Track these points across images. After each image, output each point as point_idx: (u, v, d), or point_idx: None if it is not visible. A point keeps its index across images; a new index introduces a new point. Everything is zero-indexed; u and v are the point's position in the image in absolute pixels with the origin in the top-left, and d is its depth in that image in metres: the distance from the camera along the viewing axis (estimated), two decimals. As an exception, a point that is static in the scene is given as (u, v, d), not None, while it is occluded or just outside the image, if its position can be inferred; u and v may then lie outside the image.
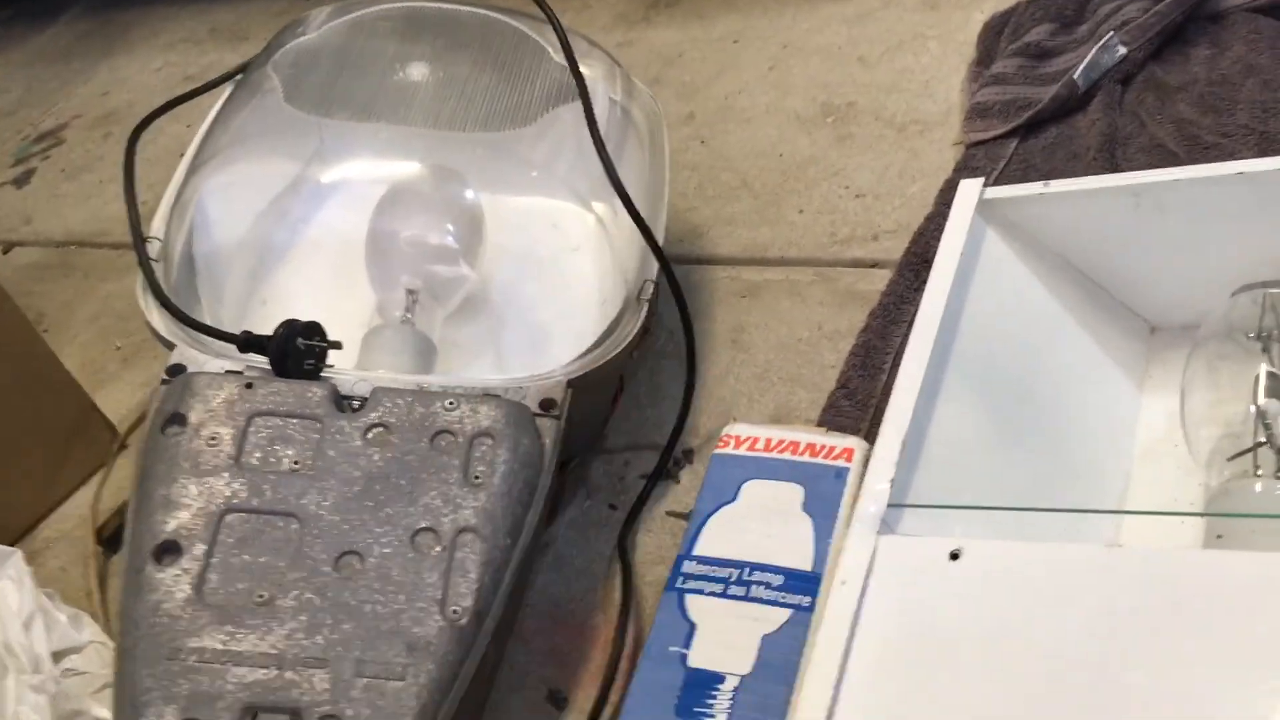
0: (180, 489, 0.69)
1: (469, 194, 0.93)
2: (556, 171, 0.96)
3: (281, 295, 0.92)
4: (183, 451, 0.70)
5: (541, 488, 0.72)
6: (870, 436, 0.68)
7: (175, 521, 0.68)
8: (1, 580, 0.78)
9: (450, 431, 0.72)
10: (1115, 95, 1.05)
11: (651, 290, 0.84)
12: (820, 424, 0.85)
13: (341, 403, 0.73)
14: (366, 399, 0.73)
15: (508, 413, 0.73)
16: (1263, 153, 0.90)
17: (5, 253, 1.49)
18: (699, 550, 0.72)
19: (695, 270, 1.06)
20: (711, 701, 0.65)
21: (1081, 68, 1.07)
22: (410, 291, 0.87)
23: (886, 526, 0.62)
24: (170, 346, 0.78)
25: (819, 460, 0.74)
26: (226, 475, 0.70)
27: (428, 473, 0.70)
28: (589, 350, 0.80)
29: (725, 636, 0.67)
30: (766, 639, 0.66)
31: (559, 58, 0.94)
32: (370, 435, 0.72)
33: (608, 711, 0.73)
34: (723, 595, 0.69)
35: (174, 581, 0.66)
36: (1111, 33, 1.09)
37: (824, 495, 0.72)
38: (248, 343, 0.75)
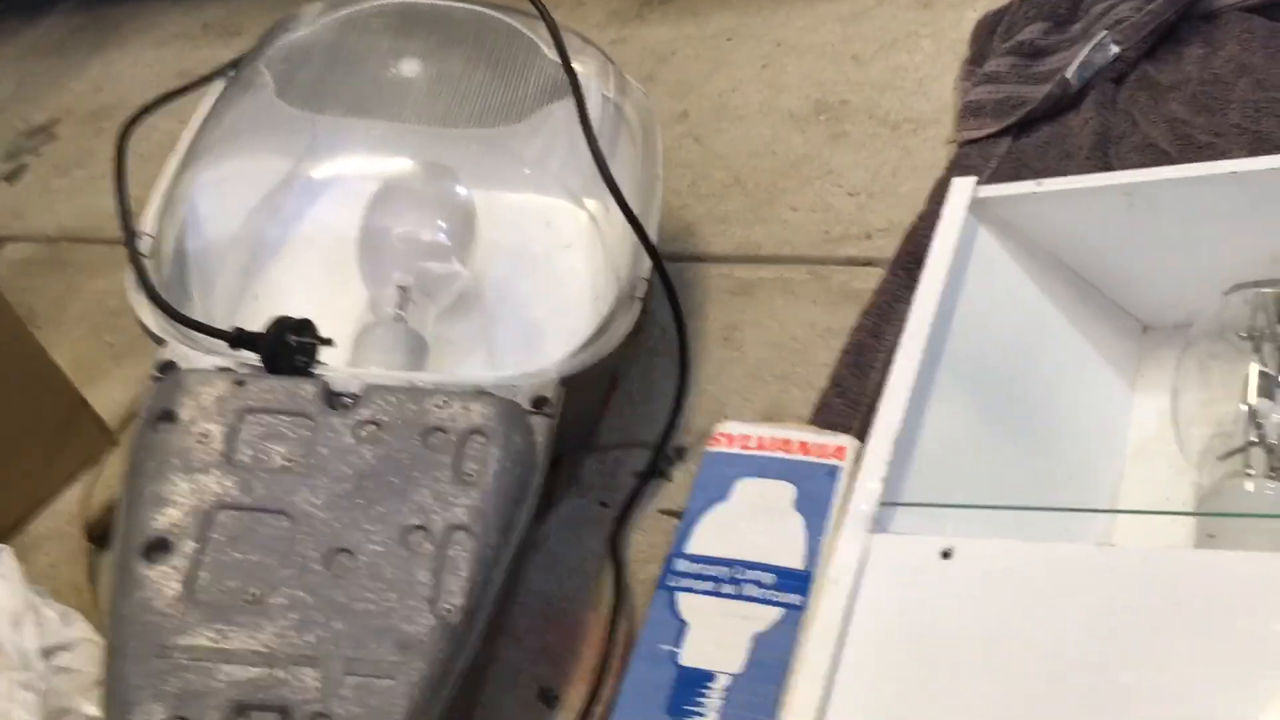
0: (171, 486, 0.69)
1: (461, 191, 0.93)
2: (549, 168, 0.96)
3: (273, 292, 0.92)
4: (173, 448, 0.70)
5: (533, 485, 0.72)
6: (863, 435, 0.68)
7: (165, 519, 0.68)
8: (-9, 577, 0.78)
9: (442, 429, 0.72)
10: (1108, 94, 1.05)
11: (644, 288, 0.84)
12: (813, 422, 0.85)
13: (333, 400, 0.73)
14: (358, 396, 0.73)
15: (500, 410, 0.72)
16: (1255, 152, 0.90)
17: (-4, 248, 1.48)
18: (690, 548, 0.72)
19: (688, 268, 1.06)
20: (702, 700, 0.65)
21: (1074, 66, 1.07)
22: (402, 288, 0.87)
23: (878, 525, 0.62)
24: (161, 343, 0.77)
25: (811, 459, 0.74)
26: (217, 472, 0.69)
27: (419, 470, 0.70)
28: (581, 348, 0.80)
29: (717, 635, 0.67)
30: (758, 638, 0.66)
31: (552, 54, 0.94)
32: (362, 433, 0.71)
33: (599, 710, 0.72)
34: (714, 594, 0.69)
35: (164, 579, 0.66)
36: (1104, 31, 1.09)
37: (816, 494, 0.72)
38: (239, 339, 0.74)
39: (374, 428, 0.72)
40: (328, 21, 0.98)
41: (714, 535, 0.72)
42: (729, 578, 0.69)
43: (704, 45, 1.40)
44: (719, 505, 0.74)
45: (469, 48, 0.97)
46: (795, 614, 0.66)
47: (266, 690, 0.63)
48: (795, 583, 0.68)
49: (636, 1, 1.52)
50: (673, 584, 0.71)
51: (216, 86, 0.98)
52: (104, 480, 1.01)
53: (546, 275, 0.94)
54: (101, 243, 1.42)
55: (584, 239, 0.94)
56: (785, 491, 0.73)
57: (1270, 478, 0.65)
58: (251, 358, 0.75)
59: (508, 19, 0.97)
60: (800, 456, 0.74)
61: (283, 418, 0.71)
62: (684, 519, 0.74)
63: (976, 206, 0.78)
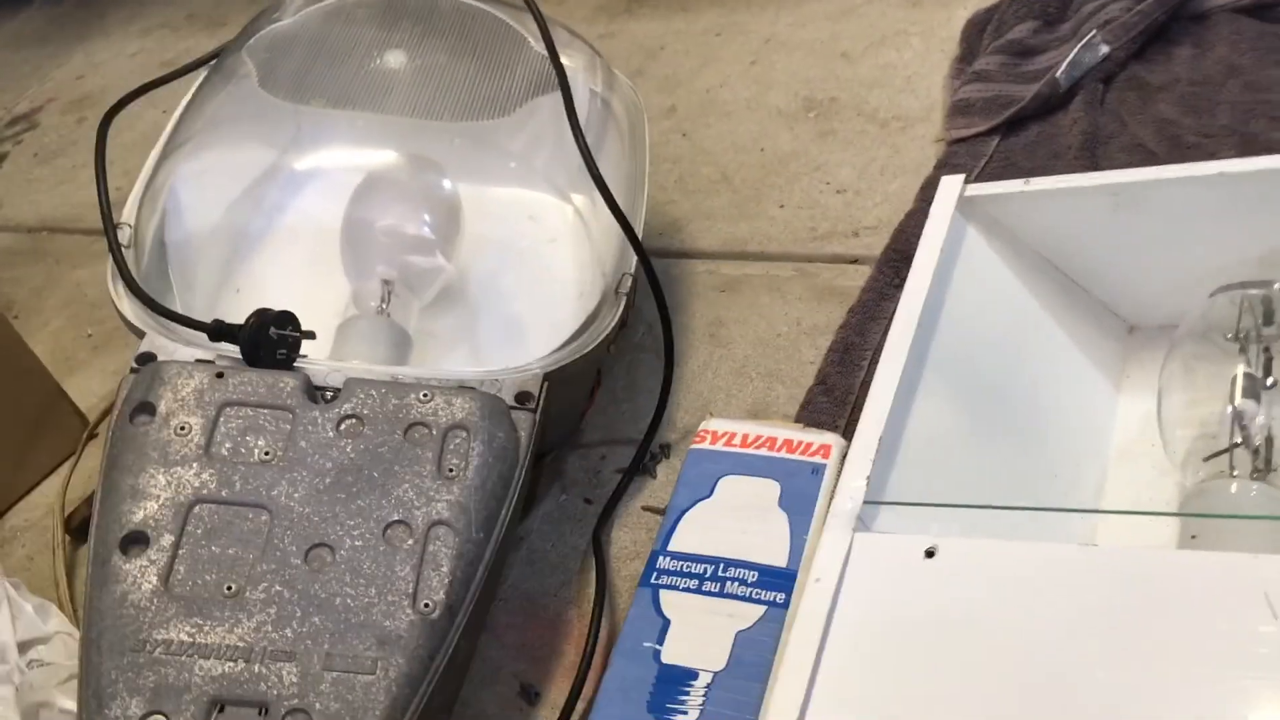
0: (148, 479, 0.68)
1: (446, 184, 0.92)
2: (535, 162, 0.96)
3: (255, 284, 0.91)
4: (151, 441, 0.69)
5: (516, 481, 0.71)
6: (848, 433, 0.68)
7: (143, 512, 0.67)
8: (-35, 570, 0.77)
9: (424, 424, 0.71)
10: (1097, 94, 1.05)
11: (630, 283, 0.83)
12: (798, 420, 0.84)
13: (314, 393, 0.72)
14: (339, 390, 0.72)
15: (482, 405, 0.72)
16: (1243, 153, 0.90)
17: (-24, 237, 1.47)
18: (674, 546, 0.72)
19: (674, 264, 1.06)
20: (684, 698, 0.64)
21: (1064, 66, 1.07)
22: (386, 282, 0.86)
23: (862, 524, 0.62)
24: (140, 334, 0.77)
25: (796, 456, 0.74)
26: (196, 465, 0.69)
27: (401, 465, 0.69)
28: (566, 343, 0.79)
29: (699, 633, 0.67)
30: (740, 635, 0.66)
31: (539, 47, 0.93)
32: (343, 427, 0.71)
33: (580, 707, 0.72)
34: (697, 591, 0.69)
35: (140, 572, 0.65)
36: (1094, 31, 1.09)
37: (800, 491, 0.71)
38: (219, 331, 0.74)
39: (355, 422, 0.71)
40: (312, 11, 0.97)
41: (697, 532, 0.72)
42: (712, 575, 0.69)
43: (693, 41, 1.40)
44: (703, 502, 0.73)
45: (455, 40, 0.96)
46: (778, 612, 0.66)
47: (244, 685, 0.62)
48: (778, 581, 0.67)
49: (625, -4, 1.51)
50: (655, 581, 0.70)
51: (199, 76, 0.97)
52: (82, 472, 1.00)
53: (531, 270, 0.93)
54: (82, 233, 1.41)
55: (569, 234, 0.93)
56: (769, 489, 0.72)
57: (1254, 479, 0.65)
58: (231, 350, 0.74)
59: (494, 11, 0.97)
60: (785, 454, 0.74)
61: (262, 411, 0.71)
62: (667, 516, 0.74)
63: (964, 205, 0.78)
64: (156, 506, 0.67)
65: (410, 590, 0.65)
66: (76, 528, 0.94)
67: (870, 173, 1.09)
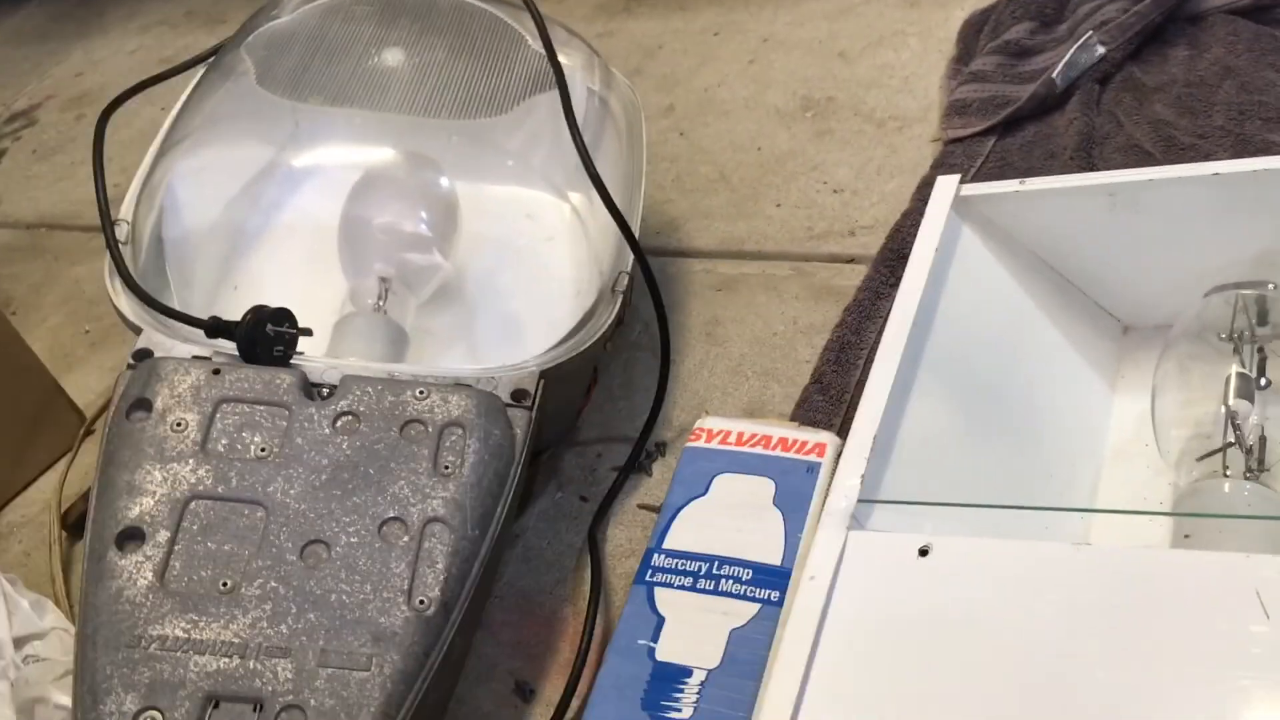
0: (144, 475, 0.68)
1: (443, 182, 0.93)
2: (532, 161, 0.96)
3: (253, 281, 0.92)
4: (147, 437, 0.69)
5: (512, 479, 0.72)
6: (843, 432, 0.68)
7: (139, 508, 0.67)
8: (-38, 565, 0.77)
9: (420, 421, 0.71)
10: (1093, 95, 1.06)
11: (626, 282, 0.83)
12: (794, 419, 0.84)
13: (310, 390, 0.72)
14: (336, 387, 0.72)
15: (479, 403, 0.72)
16: (1238, 154, 0.90)
17: (-26, 234, 1.47)
18: (669, 543, 0.72)
19: (671, 263, 1.06)
20: (678, 695, 0.64)
21: (1060, 66, 1.07)
22: (383, 279, 0.86)
23: (856, 522, 0.62)
24: (137, 331, 0.77)
25: (791, 455, 0.74)
26: (192, 462, 0.69)
27: (396, 462, 0.70)
28: (563, 341, 0.80)
29: (693, 630, 0.67)
30: (735, 633, 0.66)
31: (537, 46, 0.93)
32: (339, 423, 0.71)
33: (575, 704, 0.72)
34: (692, 589, 0.69)
35: (136, 568, 0.65)
36: (1091, 32, 1.09)
37: (795, 490, 0.72)
38: (216, 328, 0.74)
39: (351, 419, 0.71)
40: (309, 9, 0.98)
41: (692, 530, 0.72)
42: (707, 573, 0.69)
43: (691, 40, 1.40)
44: (698, 500, 0.74)
45: (453, 37, 0.96)
46: (772, 610, 0.66)
47: (239, 681, 0.62)
48: (773, 579, 0.68)
49: (623, -5, 1.51)
50: (650, 578, 0.70)
51: (198, 73, 0.97)
52: (79, 468, 1.00)
53: (528, 268, 0.94)
54: (80, 229, 1.41)
55: (567, 232, 0.94)
56: (764, 487, 0.72)
57: (1247, 479, 0.65)
58: (228, 347, 0.74)
59: (492, 9, 0.97)
60: (780, 453, 0.74)
61: (259, 407, 0.71)
62: (662, 514, 0.74)
63: (960, 205, 0.78)
64: (152, 502, 0.67)
65: (405, 587, 0.65)
66: (73, 524, 0.94)
67: (867, 172, 1.09)
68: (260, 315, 0.74)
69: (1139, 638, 0.52)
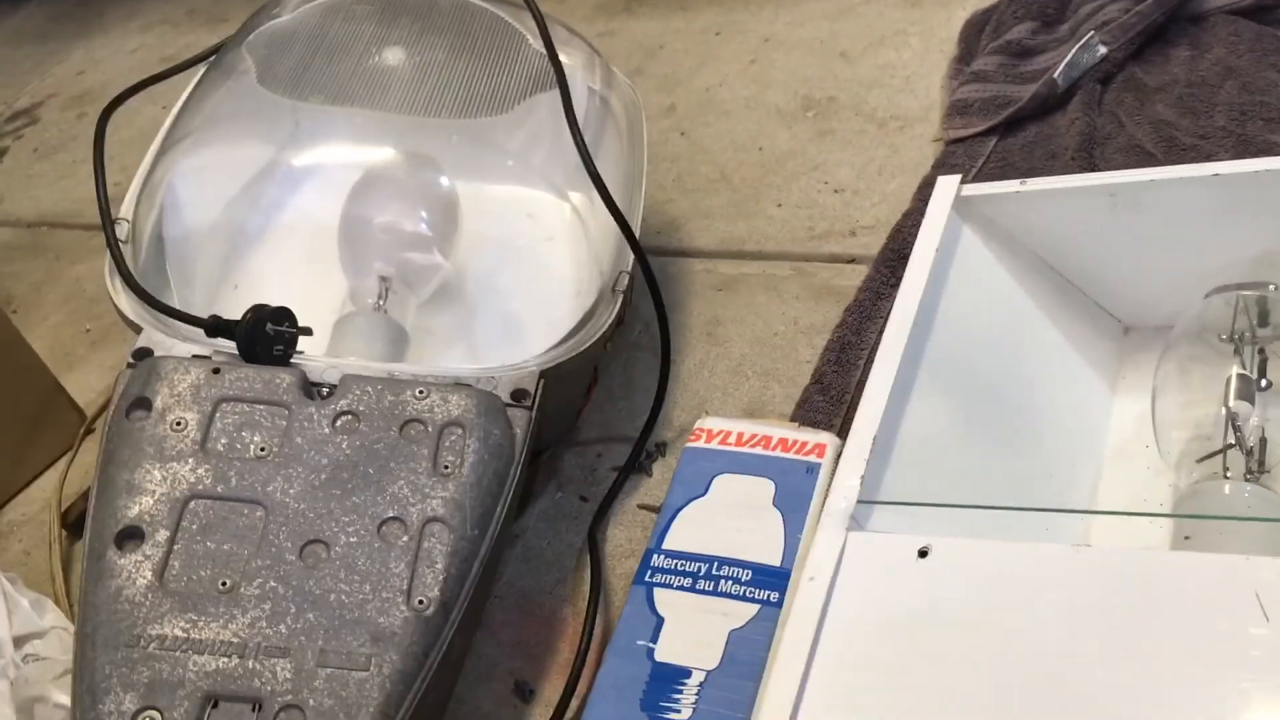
0: (144, 474, 0.68)
1: (444, 181, 0.93)
2: (533, 160, 0.96)
3: (253, 280, 0.91)
4: (147, 436, 0.69)
5: (511, 479, 0.71)
6: (844, 432, 0.68)
7: (138, 507, 0.67)
8: (-38, 564, 0.77)
9: (420, 420, 0.71)
10: (1095, 95, 1.06)
11: (626, 282, 0.83)
12: (794, 419, 0.84)
13: (310, 390, 0.72)
14: (336, 386, 0.72)
15: (478, 402, 0.72)
16: (1240, 155, 0.90)
17: (-24, 232, 1.47)
18: (668, 544, 0.72)
19: (672, 262, 1.06)
20: (677, 696, 0.64)
21: (1062, 67, 1.07)
22: (383, 279, 0.86)
23: (856, 523, 0.62)
24: (137, 330, 0.77)
25: (791, 455, 0.74)
26: (191, 461, 0.69)
27: (396, 462, 0.69)
28: (563, 341, 0.80)
29: (693, 631, 0.67)
30: (734, 634, 0.66)
31: (538, 45, 0.93)
32: (339, 423, 0.71)
33: (574, 704, 0.72)
34: (691, 589, 0.69)
35: (135, 568, 0.65)
36: (1092, 32, 1.09)
37: (795, 491, 0.72)
38: (216, 327, 0.74)
39: (351, 418, 0.71)
40: (310, 8, 0.97)
41: (692, 531, 0.72)
42: (706, 573, 0.69)
43: (692, 40, 1.40)
44: (697, 501, 0.74)
45: (453, 37, 0.96)
46: (772, 611, 0.66)
47: (238, 681, 0.62)
48: (772, 579, 0.67)
49: (625, -6, 1.51)
50: (650, 579, 0.70)
51: (198, 72, 0.97)
52: (79, 467, 1.00)
53: (529, 268, 0.93)
54: (81, 228, 1.41)
55: (567, 232, 0.94)
56: (764, 488, 0.72)
57: (1247, 480, 0.65)
58: (228, 346, 0.74)
59: (493, 8, 0.97)
60: (780, 453, 0.74)
61: (259, 407, 0.71)
62: (662, 514, 0.74)
63: (960, 205, 0.78)
64: (152, 502, 0.67)
65: (405, 587, 0.65)
66: (73, 523, 0.94)
67: (868, 172, 1.09)
68: (260, 314, 0.74)
69: (1138, 639, 0.52)
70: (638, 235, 0.85)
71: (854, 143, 1.14)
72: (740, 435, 0.76)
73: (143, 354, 0.75)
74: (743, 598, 0.67)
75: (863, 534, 0.62)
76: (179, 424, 0.70)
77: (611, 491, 0.85)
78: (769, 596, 0.67)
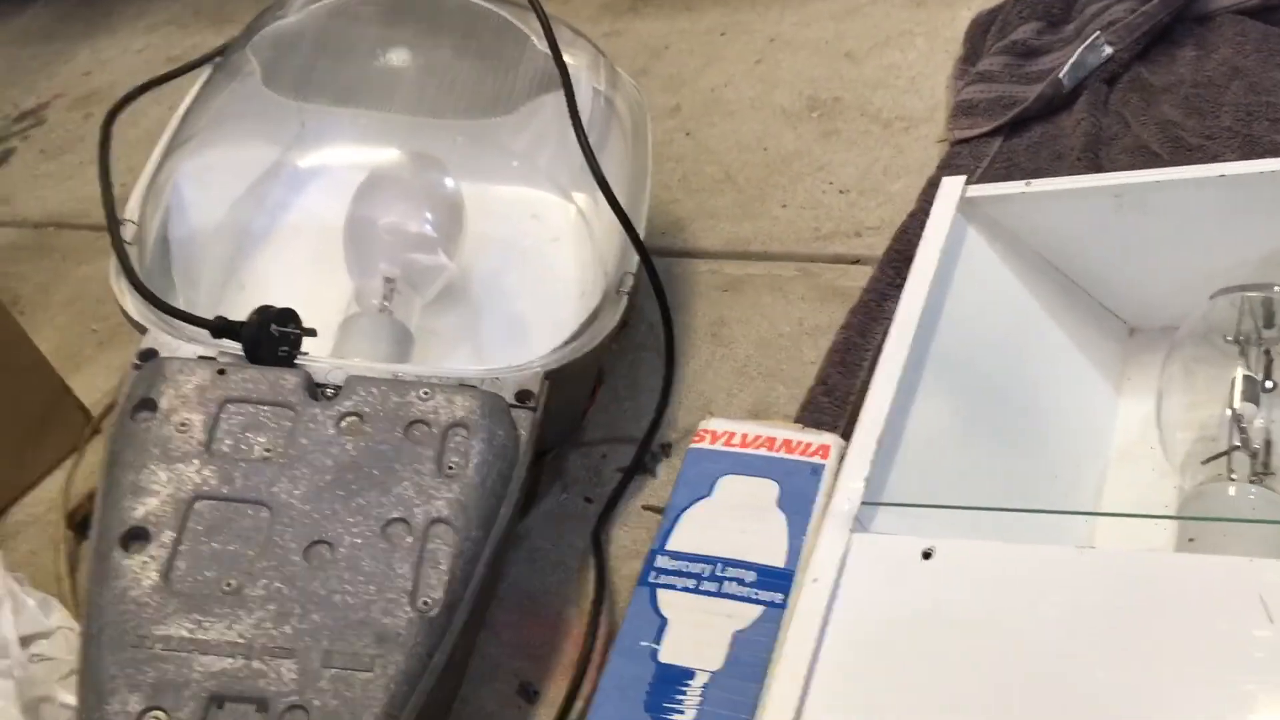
0: (149, 475, 0.68)
1: (449, 182, 0.93)
2: (538, 161, 0.96)
3: (259, 281, 0.92)
4: (153, 437, 0.70)
5: (515, 479, 0.72)
6: (849, 433, 0.68)
7: (144, 508, 0.67)
8: (-32, 564, 0.77)
9: (425, 422, 0.71)
10: (1100, 95, 1.05)
11: (631, 283, 0.83)
12: (799, 420, 0.84)
13: (315, 390, 0.72)
14: (341, 387, 0.73)
15: (483, 404, 0.72)
16: (1246, 155, 0.90)
17: (-17, 232, 1.48)
18: (672, 545, 0.72)
19: (677, 263, 1.06)
20: (681, 698, 0.64)
21: (1067, 67, 1.07)
22: (388, 280, 0.86)
23: (860, 524, 0.62)
24: (143, 330, 0.77)
25: (795, 457, 0.74)
26: (196, 462, 0.69)
27: (401, 463, 0.70)
28: (567, 342, 0.80)
29: (696, 632, 0.67)
30: (738, 635, 0.66)
31: (543, 46, 0.93)
32: (343, 424, 0.71)
33: (579, 705, 0.72)
34: (695, 591, 0.69)
35: (141, 568, 0.65)
36: (1098, 32, 1.08)
37: (799, 492, 0.71)
38: (221, 328, 0.74)
39: (356, 419, 0.71)
40: (315, 9, 0.98)
41: (696, 532, 0.72)
42: (710, 575, 0.69)
43: (697, 40, 1.40)
44: (701, 502, 0.74)
45: (458, 38, 0.96)
46: (776, 612, 0.66)
47: (243, 681, 0.62)
48: (776, 581, 0.67)
49: (630, -5, 1.51)
50: (653, 580, 0.70)
51: (204, 73, 0.97)
52: (85, 467, 1.00)
53: (534, 269, 0.94)
54: (88, 228, 1.41)
55: (572, 233, 0.94)
56: (768, 489, 0.72)
57: (1252, 482, 0.65)
58: (233, 347, 0.74)
59: (498, 9, 0.97)
60: (784, 454, 0.74)
61: (264, 408, 0.71)
62: (666, 515, 0.74)
63: (965, 206, 0.78)
64: (157, 503, 0.67)
65: (409, 588, 0.65)
66: (80, 523, 0.94)
67: (873, 173, 1.09)
68: (266, 315, 0.74)
69: (1142, 641, 0.52)
70: (643, 236, 0.85)
71: (859, 143, 1.14)
72: (744, 436, 0.76)
73: (148, 355, 0.75)
74: (747, 599, 0.67)
75: (867, 535, 0.62)
76: (184, 425, 0.70)
77: (616, 492, 0.85)
78: (773, 598, 0.67)
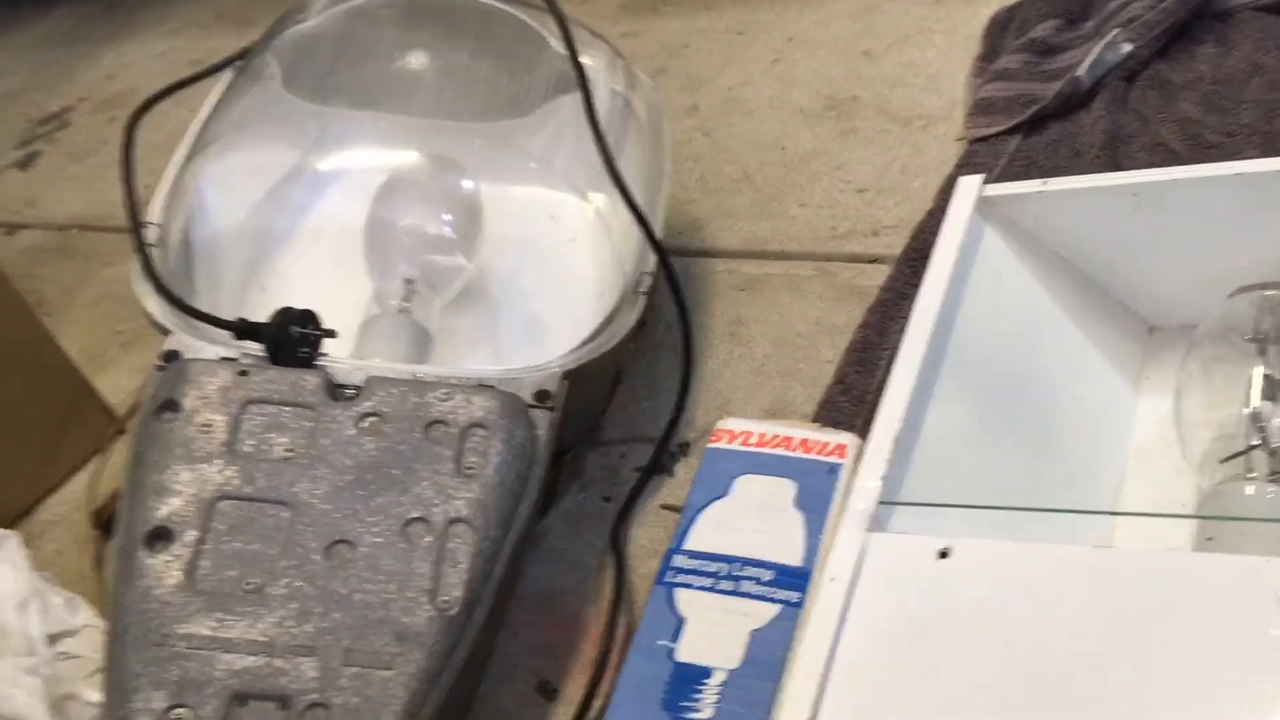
0: (173, 475, 0.69)
1: (467, 184, 0.93)
2: (556, 162, 0.96)
3: (280, 283, 0.93)
4: (176, 438, 0.70)
5: (534, 479, 0.72)
6: (866, 433, 0.68)
7: (167, 508, 0.68)
8: (-3, 563, 0.78)
9: (444, 422, 0.72)
10: (1119, 93, 1.05)
11: (649, 283, 0.84)
12: (816, 420, 0.85)
13: (335, 391, 0.73)
14: (361, 388, 0.73)
15: (502, 404, 0.73)
16: (1266, 153, 0.89)
17: (9, 235, 1.49)
18: (689, 544, 0.72)
19: (695, 263, 1.06)
20: (698, 696, 0.65)
21: (1086, 64, 1.06)
22: (408, 281, 0.87)
23: (877, 524, 0.62)
24: (166, 332, 0.78)
25: (812, 456, 0.74)
26: (219, 462, 0.70)
27: (420, 463, 0.70)
28: (586, 342, 0.80)
29: (714, 631, 0.67)
30: (755, 634, 0.66)
31: (560, 47, 0.93)
32: (364, 424, 0.72)
33: (598, 703, 0.73)
34: (712, 590, 0.69)
35: (165, 567, 0.66)
36: (1117, 30, 1.08)
37: (816, 491, 0.72)
38: (243, 330, 0.75)
39: (376, 419, 0.72)
40: (335, 12, 0.98)
41: (713, 531, 0.72)
42: (727, 574, 0.69)
43: (716, 39, 1.40)
44: (719, 501, 0.74)
45: (476, 40, 0.97)
46: (793, 611, 0.66)
47: (265, 679, 0.63)
48: (793, 580, 0.68)
49: (648, -5, 1.52)
50: (671, 579, 0.71)
51: (225, 76, 0.98)
52: (111, 467, 1.01)
53: (552, 269, 0.94)
54: (112, 231, 1.42)
55: (590, 233, 0.94)
56: (785, 489, 0.72)
57: (1271, 481, 0.65)
58: (255, 348, 0.75)
59: (515, 11, 0.97)
60: (801, 454, 0.74)
61: (285, 408, 0.72)
62: (683, 515, 0.74)
63: (983, 205, 0.78)
64: (181, 503, 0.68)
65: (429, 587, 0.66)
66: (105, 523, 0.95)
67: (891, 172, 1.09)
68: (287, 317, 0.75)
69: (1160, 641, 0.52)
70: (660, 236, 0.85)
71: (877, 142, 1.14)
72: (762, 436, 0.76)
73: (171, 356, 0.76)
74: (764, 598, 0.67)
75: (883, 535, 0.62)
76: (207, 426, 0.71)
77: (634, 492, 0.86)
78: (790, 597, 0.67)
